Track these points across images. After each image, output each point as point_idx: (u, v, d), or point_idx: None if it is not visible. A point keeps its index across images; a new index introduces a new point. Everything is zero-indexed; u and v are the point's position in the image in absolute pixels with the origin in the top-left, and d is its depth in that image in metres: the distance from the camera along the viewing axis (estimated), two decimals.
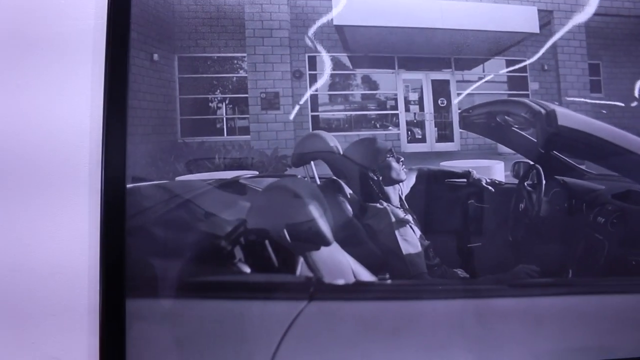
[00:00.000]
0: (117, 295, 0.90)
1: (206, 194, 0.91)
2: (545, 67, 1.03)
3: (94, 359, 0.89)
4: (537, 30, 1.04)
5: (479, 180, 0.99)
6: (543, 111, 1.03)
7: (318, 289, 0.94)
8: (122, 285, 0.90)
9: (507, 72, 1.01)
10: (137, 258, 0.89)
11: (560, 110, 1.04)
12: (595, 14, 1.11)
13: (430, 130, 0.98)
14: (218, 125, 0.93)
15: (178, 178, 0.91)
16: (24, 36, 0.92)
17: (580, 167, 1.02)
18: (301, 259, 0.93)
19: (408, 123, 0.98)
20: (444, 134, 0.99)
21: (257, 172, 0.94)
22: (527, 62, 1.02)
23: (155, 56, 0.92)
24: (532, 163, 1.00)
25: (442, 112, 0.99)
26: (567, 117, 1.04)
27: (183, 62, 0.93)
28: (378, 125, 0.97)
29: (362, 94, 0.96)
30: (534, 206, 0.99)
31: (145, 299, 0.90)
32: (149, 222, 0.89)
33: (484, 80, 1.01)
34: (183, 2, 0.94)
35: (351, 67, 0.97)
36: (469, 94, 0.99)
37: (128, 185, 0.90)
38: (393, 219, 0.94)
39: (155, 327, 0.91)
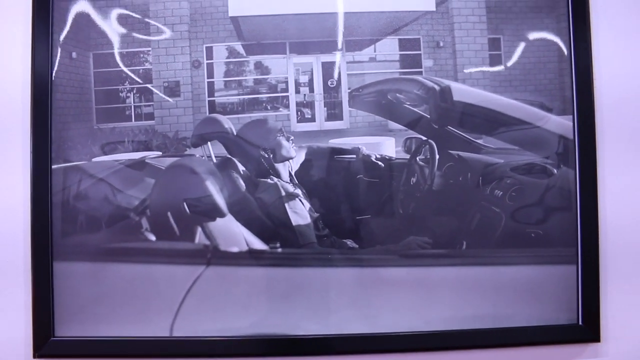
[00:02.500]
0: (45, 258, 1.08)
1: (117, 173, 1.07)
2: (441, 44, 1.10)
3: (29, 311, 1.08)
4: (433, 8, 1.10)
5: (368, 155, 1.09)
6: (437, 87, 1.11)
7: (214, 256, 1.10)
8: (50, 250, 1.08)
9: (400, 51, 1.08)
10: (61, 228, 1.07)
11: (455, 85, 1.11)
12: None
13: (320, 110, 1.09)
14: (127, 113, 1.08)
15: (94, 159, 1.08)
16: None
17: (477, 141, 1.08)
18: (199, 229, 1.08)
19: (298, 104, 1.10)
20: (334, 113, 1.10)
21: (161, 153, 1.09)
22: (422, 40, 1.08)
23: (74, 54, 1.08)
24: (424, 138, 1.07)
25: (331, 93, 1.08)
26: (463, 92, 1.11)
27: (97, 58, 1.08)
28: (269, 107, 1.10)
29: (254, 79, 1.10)
30: (426, 180, 1.08)
31: (69, 262, 1.08)
32: (70, 197, 1.07)
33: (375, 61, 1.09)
34: (97, 6, 1.09)
35: (245, 54, 1.09)
36: (359, 74, 1.07)
37: (53, 166, 1.08)
38: (283, 193, 1.08)
39: (77, 285, 1.09)
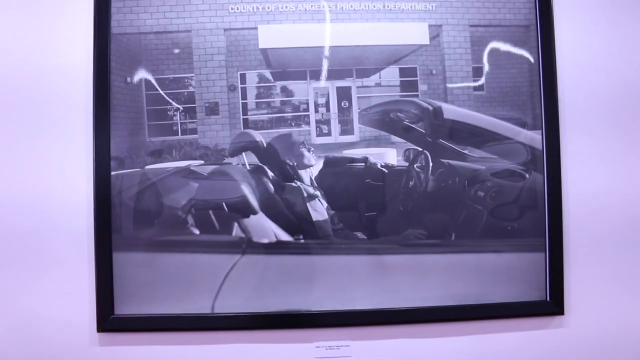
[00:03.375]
0: (106, 249, 1.29)
1: (167, 178, 1.30)
2: (434, 72, 1.35)
3: (93, 294, 1.29)
4: (427, 42, 1.35)
5: (375, 163, 1.33)
6: (430, 107, 1.35)
7: (249, 246, 1.33)
8: (110, 242, 1.28)
9: (401, 77, 1.33)
10: (120, 224, 1.28)
11: (445, 106, 1.36)
12: (479, 25, 1.39)
13: (335, 126, 1.34)
14: (174, 128, 1.31)
15: (148, 166, 1.30)
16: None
17: (464, 151, 1.33)
18: (236, 224, 1.31)
19: (317, 121, 1.34)
20: (346, 129, 1.35)
21: (203, 161, 1.32)
22: (418, 68, 1.33)
23: (128, 79, 1.31)
24: (420, 149, 1.32)
25: (344, 112, 1.33)
26: (452, 111, 1.36)
27: (148, 82, 1.31)
28: (293, 124, 1.34)
29: (281, 100, 1.33)
30: (422, 183, 1.32)
31: (126, 252, 1.29)
32: (128, 198, 1.28)
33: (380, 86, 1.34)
34: (148, 37, 1.31)
35: (272, 80, 1.33)
36: (367, 97, 1.33)
37: (112, 172, 1.29)
38: (305, 195, 1.31)
39: (134, 272, 1.30)
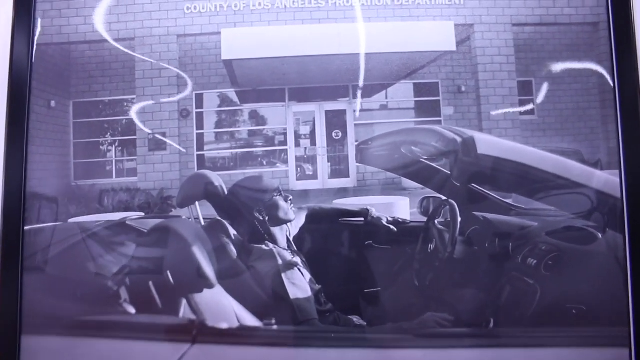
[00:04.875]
0: (12, 333, 0.97)
1: (95, 236, 0.96)
2: (463, 89, 0.96)
3: None
4: (453, 48, 0.97)
5: (379, 218, 0.96)
6: (459, 139, 0.97)
7: (201, 332, 0.96)
8: (18, 323, 0.97)
9: (416, 97, 0.95)
10: (32, 297, 0.96)
11: (480, 136, 0.98)
12: (526, 24, 1.01)
13: (323, 165, 0.97)
14: (108, 168, 0.97)
15: (71, 219, 0.96)
16: None
17: (506, 201, 0.93)
18: (184, 301, 0.95)
19: (298, 159, 0.98)
20: (338, 169, 0.97)
21: (143, 214, 0.97)
22: (440, 84, 0.95)
23: (53, 103, 0.98)
24: (444, 198, 0.93)
25: (336, 146, 0.96)
26: (489, 144, 0.98)
27: (79, 106, 0.98)
28: (265, 163, 0.97)
29: (249, 130, 0.97)
30: (446, 247, 0.94)
31: (39, 336, 0.96)
32: (43, 262, 0.95)
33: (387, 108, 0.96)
34: (78, 49, 0.99)
35: (239, 102, 0.97)
36: (368, 124, 0.95)
37: (26, 227, 0.98)
38: (280, 262, 0.94)
39: None
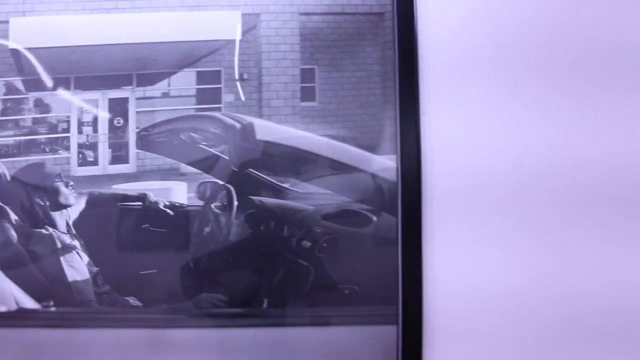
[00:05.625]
0: None
1: None
2: (245, 76, 0.98)
3: None
4: (237, 37, 0.99)
5: (156, 203, 0.97)
6: (238, 125, 0.99)
7: None
8: None
9: (197, 85, 0.97)
10: None
11: (259, 123, 0.99)
12: (313, 14, 1.03)
13: (104, 152, 0.98)
14: None
15: None
16: None
17: (284, 185, 0.96)
18: None
19: (80, 146, 0.99)
20: (119, 156, 0.99)
21: None
22: (222, 72, 0.97)
23: None
24: (221, 183, 0.96)
25: (117, 133, 0.97)
26: (268, 130, 0.99)
27: None
28: (48, 150, 0.98)
29: (33, 118, 0.98)
30: (222, 230, 0.95)
31: None
32: None
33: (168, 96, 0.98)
34: None
35: (25, 90, 0.99)
36: (150, 112, 0.97)
37: None
38: (59, 245, 0.96)
39: None
